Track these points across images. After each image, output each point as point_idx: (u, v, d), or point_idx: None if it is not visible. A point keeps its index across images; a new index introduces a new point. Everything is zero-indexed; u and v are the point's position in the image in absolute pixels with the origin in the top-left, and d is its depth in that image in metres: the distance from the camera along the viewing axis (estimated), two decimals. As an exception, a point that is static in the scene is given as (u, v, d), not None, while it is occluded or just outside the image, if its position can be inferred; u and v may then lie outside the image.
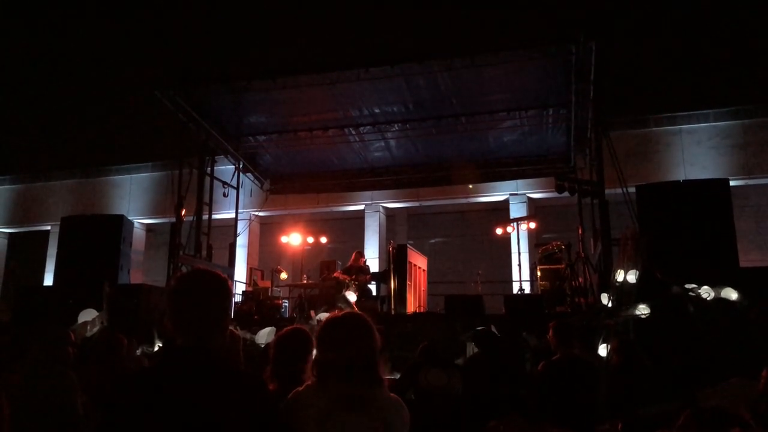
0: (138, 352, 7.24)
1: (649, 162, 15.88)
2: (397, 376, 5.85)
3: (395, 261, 11.68)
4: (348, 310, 2.43)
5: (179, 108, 11.25)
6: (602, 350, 6.56)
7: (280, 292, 13.77)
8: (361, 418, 2.06)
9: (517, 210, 16.62)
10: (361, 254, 12.30)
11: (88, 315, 8.62)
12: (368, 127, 12.45)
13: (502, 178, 15.16)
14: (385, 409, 2.12)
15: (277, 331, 4.05)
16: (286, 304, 12.87)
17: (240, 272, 16.16)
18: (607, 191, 9.41)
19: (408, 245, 12.64)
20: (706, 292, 7.07)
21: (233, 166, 13.81)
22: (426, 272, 13.52)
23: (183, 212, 11.12)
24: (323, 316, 8.34)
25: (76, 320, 8.51)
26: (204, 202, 12.21)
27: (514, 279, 14.49)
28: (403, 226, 20.57)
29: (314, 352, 2.28)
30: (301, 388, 2.18)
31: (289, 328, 2.96)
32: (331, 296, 10.44)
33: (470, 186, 14.00)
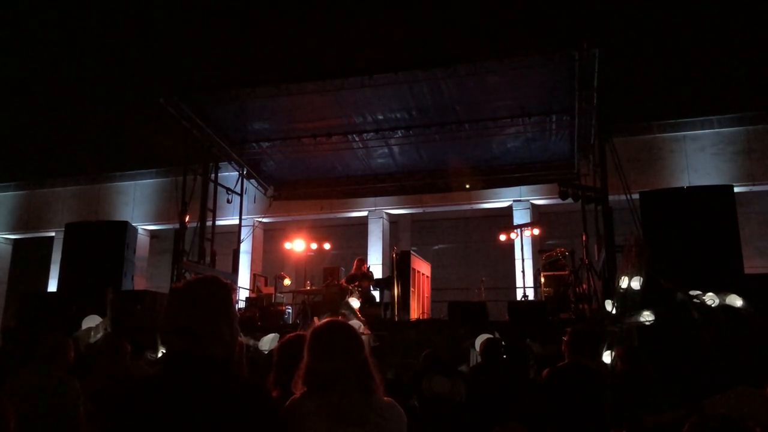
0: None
1: (653, 168, 15.86)
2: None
3: (399, 267, 11.68)
4: (331, 318, 2.43)
5: (183, 115, 11.29)
6: (606, 357, 6.54)
7: (283, 298, 13.76)
8: (358, 430, 2.06)
9: (520, 216, 16.59)
10: (362, 261, 12.30)
11: (91, 321, 8.62)
12: (372, 133, 12.46)
13: (506, 185, 15.19)
14: (381, 416, 2.12)
15: (280, 338, 4.05)
16: (290, 311, 12.86)
17: (243, 278, 16.15)
18: (610, 198, 9.39)
19: (411, 251, 12.63)
20: (711, 299, 7.04)
21: (237, 173, 13.85)
22: (429, 279, 13.51)
23: (187, 218, 11.13)
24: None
25: (80, 326, 8.51)
26: (208, 209, 12.22)
27: (517, 285, 14.48)
28: (407, 232, 20.56)
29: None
30: (296, 397, 2.18)
31: (292, 334, 2.95)
32: (335, 303, 10.42)
33: (467, 185, 13.95)
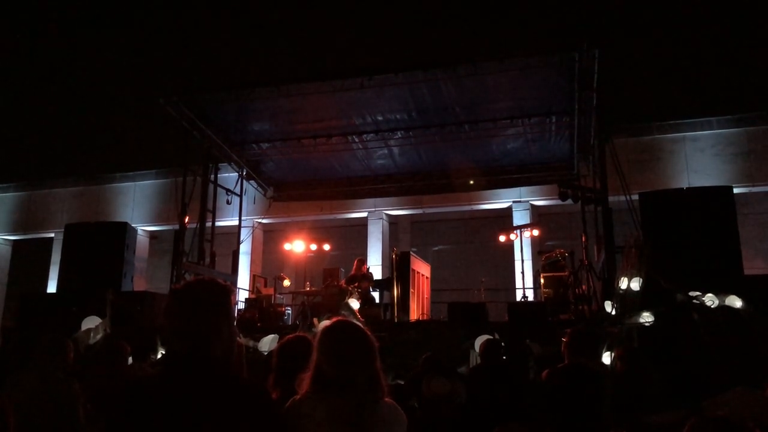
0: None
1: (653, 169, 15.86)
2: (400, 383, 5.83)
3: (398, 268, 11.68)
4: (343, 318, 2.42)
5: (183, 116, 11.30)
6: (606, 358, 6.53)
7: (283, 299, 13.77)
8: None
9: (520, 217, 16.59)
10: (362, 261, 12.30)
11: (91, 322, 8.62)
12: (371, 134, 12.46)
13: (506, 186, 15.19)
14: (382, 419, 2.13)
15: (280, 339, 4.05)
16: (289, 312, 12.86)
17: (243, 279, 16.15)
18: (610, 198, 9.39)
19: (411, 252, 12.63)
20: (710, 300, 7.05)
21: (237, 174, 13.85)
22: (429, 279, 13.51)
23: (186, 219, 11.14)
24: (326, 323, 8.33)
25: (80, 327, 8.51)
26: (207, 210, 12.22)
27: (517, 286, 14.47)
28: (407, 233, 20.56)
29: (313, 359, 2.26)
30: (298, 398, 2.18)
31: (292, 335, 2.96)
32: (334, 304, 10.43)
33: (471, 182, 13.91)
